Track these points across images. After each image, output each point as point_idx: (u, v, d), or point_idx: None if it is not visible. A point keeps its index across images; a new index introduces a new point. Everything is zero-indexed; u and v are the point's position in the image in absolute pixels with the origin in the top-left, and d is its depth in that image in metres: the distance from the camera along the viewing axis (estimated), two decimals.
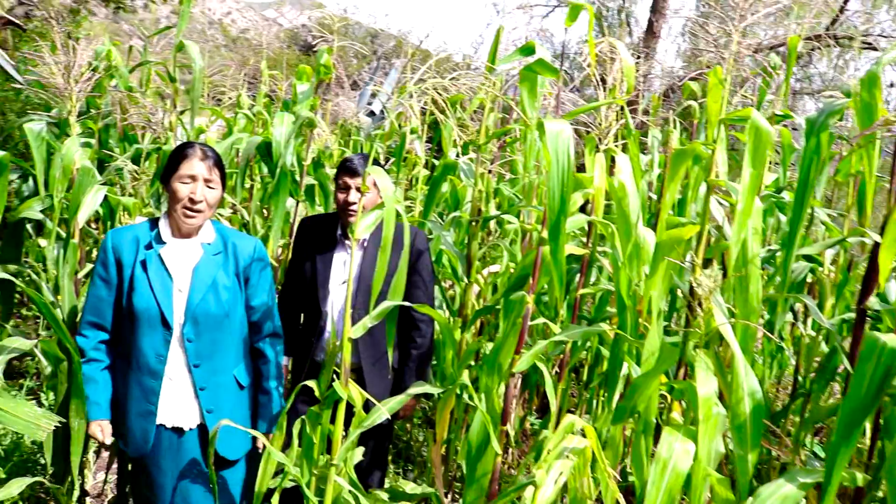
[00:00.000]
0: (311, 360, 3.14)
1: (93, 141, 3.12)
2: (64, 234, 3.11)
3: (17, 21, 3.75)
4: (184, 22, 5.42)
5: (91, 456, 3.51)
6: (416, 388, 2.72)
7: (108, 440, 2.53)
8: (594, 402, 3.81)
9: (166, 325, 2.48)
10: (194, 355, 2.52)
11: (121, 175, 4.99)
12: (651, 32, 12.06)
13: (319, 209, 4.76)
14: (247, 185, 6.02)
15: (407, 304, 2.58)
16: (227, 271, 2.61)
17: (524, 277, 2.93)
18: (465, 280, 3.51)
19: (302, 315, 3.28)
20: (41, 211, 3.22)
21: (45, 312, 2.32)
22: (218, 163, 2.57)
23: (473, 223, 3.49)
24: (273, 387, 2.73)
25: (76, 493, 3.03)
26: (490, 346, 2.98)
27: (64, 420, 2.53)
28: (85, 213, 3.12)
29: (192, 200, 2.48)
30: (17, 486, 2.47)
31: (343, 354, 2.52)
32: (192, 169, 2.49)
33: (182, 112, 5.77)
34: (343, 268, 3.13)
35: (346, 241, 3.15)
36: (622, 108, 2.81)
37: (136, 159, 4.82)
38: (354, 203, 3.02)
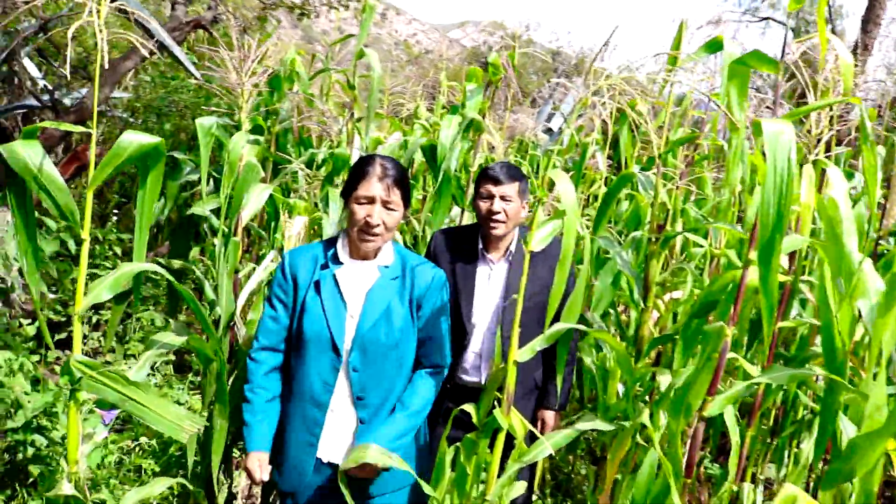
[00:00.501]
0: (452, 381, 2.92)
1: (262, 139, 3.04)
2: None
3: (205, 24, 3.80)
4: (364, 30, 5.42)
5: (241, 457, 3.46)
6: (586, 424, 2.45)
7: (265, 477, 2.34)
8: (785, 452, 3.31)
9: (336, 351, 2.31)
10: (359, 386, 2.34)
11: (295, 178, 5.05)
12: (863, 47, 11.03)
13: None
14: (418, 196, 5.96)
15: (581, 327, 2.31)
16: (403, 298, 2.41)
17: (709, 305, 2.59)
18: (642, 304, 3.16)
19: None
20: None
21: (195, 309, 2.22)
22: (399, 181, 2.35)
23: (653, 241, 3.14)
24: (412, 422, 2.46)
25: (222, 496, 2.95)
26: (666, 379, 2.61)
27: (207, 424, 2.43)
28: (249, 210, 3.07)
29: (368, 224, 2.30)
30: (161, 485, 2.39)
31: (508, 379, 2.29)
32: (370, 190, 2.30)
33: (359, 120, 5.79)
34: (487, 283, 2.90)
35: (488, 255, 2.92)
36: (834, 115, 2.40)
37: (310, 163, 4.85)
38: (498, 213, 2.80)
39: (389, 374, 2.38)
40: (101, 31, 1.90)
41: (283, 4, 4.90)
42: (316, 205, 4.35)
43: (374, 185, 2.30)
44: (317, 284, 2.35)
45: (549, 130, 9.78)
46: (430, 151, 3.67)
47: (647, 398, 2.98)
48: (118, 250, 4.65)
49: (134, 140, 1.98)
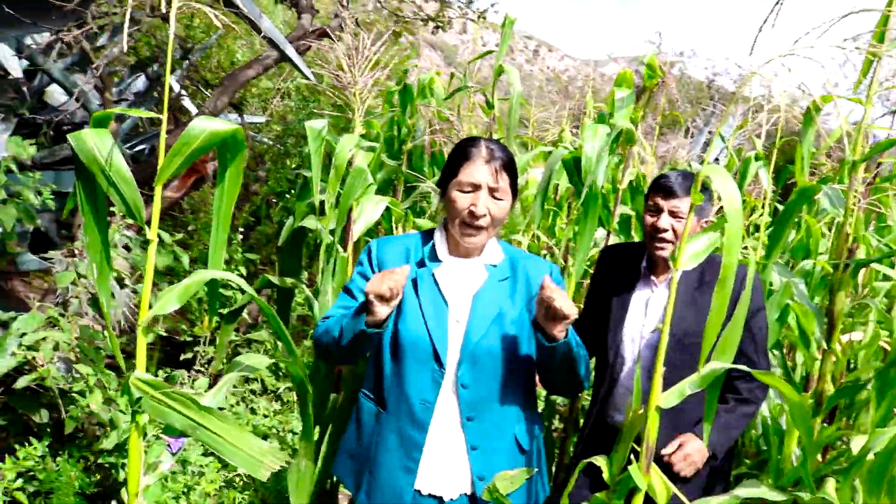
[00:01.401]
0: (596, 417, 2.47)
1: (377, 145, 2.75)
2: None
3: (330, 34, 3.61)
4: (504, 45, 5.13)
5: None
6: (750, 490, 1.98)
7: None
8: None
9: (439, 363, 1.95)
10: (468, 405, 1.96)
11: (427, 199, 4.78)
12: None
13: None
14: (562, 225, 5.54)
15: (743, 367, 1.83)
16: (515, 301, 2.04)
17: None
18: (825, 345, 2.60)
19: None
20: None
21: (275, 326, 1.91)
22: (508, 166, 1.99)
23: (840, 269, 2.57)
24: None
25: None
26: (860, 441, 2.06)
27: (291, 461, 2.12)
28: (361, 224, 2.79)
29: (472, 214, 1.94)
30: None
31: (648, 428, 1.86)
32: (475, 175, 1.95)
33: (498, 140, 5.47)
34: (643, 309, 2.44)
35: (652, 277, 2.47)
36: None
37: None
38: (665, 230, 2.36)
39: (505, 392, 1.99)
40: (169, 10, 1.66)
41: (417, 17, 4.67)
42: None
43: (479, 169, 1.95)
44: (414, 283, 2.02)
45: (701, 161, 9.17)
46: (574, 165, 3.25)
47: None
48: (243, 270, 4.52)
49: (207, 127, 1.71)
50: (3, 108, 3.11)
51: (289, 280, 2.98)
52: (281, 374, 4.67)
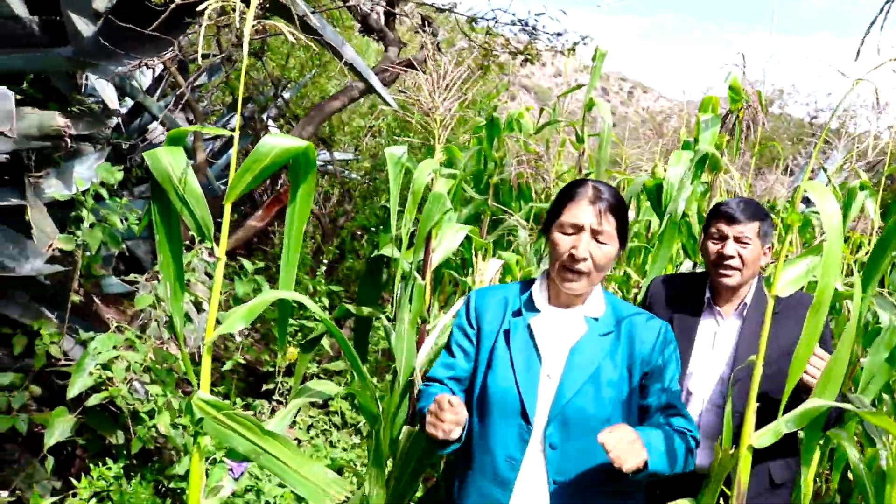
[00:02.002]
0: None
1: (458, 172, 2.70)
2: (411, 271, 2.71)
3: (416, 65, 3.61)
4: (595, 78, 5.05)
5: None
6: None
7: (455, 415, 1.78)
8: None
9: (525, 419, 1.83)
10: (556, 468, 1.82)
11: (514, 233, 4.70)
12: None
13: None
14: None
15: (849, 406, 1.67)
16: (616, 360, 1.89)
17: None
18: None
19: None
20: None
21: (347, 354, 1.85)
22: (615, 209, 1.87)
23: None
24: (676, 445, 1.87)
25: None
26: None
27: (356, 491, 2.04)
28: (441, 252, 2.73)
29: (572, 257, 1.83)
30: None
31: (740, 469, 1.72)
32: (578, 216, 1.84)
33: (587, 174, 5.35)
34: (711, 341, 2.30)
35: (717, 308, 2.32)
36: None
37: (530, 218, 4.49)
38: (732, 257, 2.23)
39: (597, 456, 1.81)
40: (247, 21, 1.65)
41: (506, 49, 4.65)
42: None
43: (582, 210, 1.84)
44: (506, 334, 1.91)
45: (806, 200, 8.81)
46: (655, 193, 3.12)
47: None
48: (326, 302, 4.52)
49: (277, 144, 1.69)
50: (100, 139, 3.22)
51: (366, 309, 2.94)
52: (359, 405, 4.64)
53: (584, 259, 1.82)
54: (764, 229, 2.25)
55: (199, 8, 1.43)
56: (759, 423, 1.78)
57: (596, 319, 1.91)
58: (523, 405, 1.83)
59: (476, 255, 2.87)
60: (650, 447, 1.73)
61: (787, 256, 2.17)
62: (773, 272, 1.69)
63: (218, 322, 1.71)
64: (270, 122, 6.14)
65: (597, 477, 1.83)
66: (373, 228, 6.19)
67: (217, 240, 1.71)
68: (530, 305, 1.95)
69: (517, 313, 1.95)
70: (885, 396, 3.11)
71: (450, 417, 1.73)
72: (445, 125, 2.74)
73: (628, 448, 1.66)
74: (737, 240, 2.23)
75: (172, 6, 1.63)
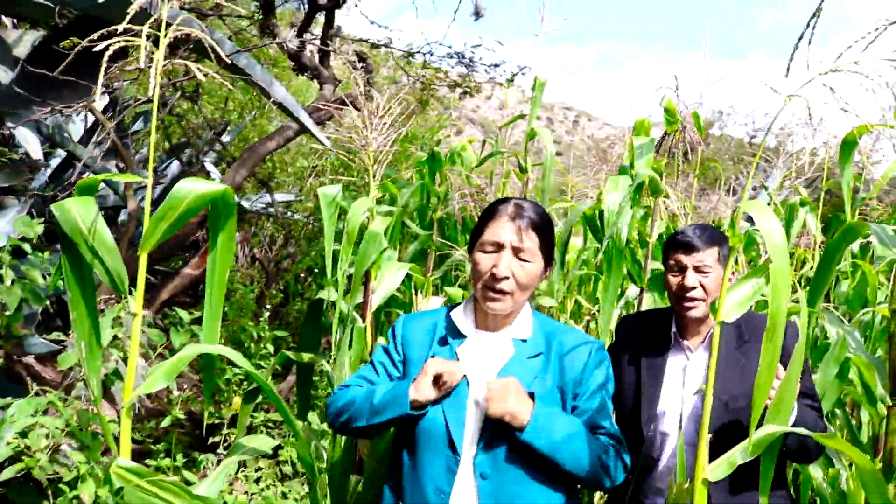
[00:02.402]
0: (631, 501, 2.23)
1: (395, 209, 2.63)
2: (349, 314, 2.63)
3: (352, 102, 3.55)
4: (535, 108, 5.04)
5: None
6: None
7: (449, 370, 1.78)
8: None
9: (453, 449, 1.74)
10: (489, 496, 1.72)
11: (461, 268, 4.62)
12: None
13: None
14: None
15: (802, 430, 1.62)
16: (546, 381, 1.82)
17: None
18: (890, 402, 2.34)
19: None
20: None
21: (278, 406, 1.75)
22: (537, 225, 1.80)
23: None
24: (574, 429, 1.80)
25: None
26: None
27: None
28: (381, 293, 2.65)
29: (493, 276, 1.76)
30: None
31: (696, 502, 1.65)
32: (498, 233, 1.77)
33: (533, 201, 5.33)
34: (680, 378, 2.21)
35: (685, 342, 2.24)
36: None
37: None
38: (694, 288, 2.15)
39: (532, 481, 1.75)
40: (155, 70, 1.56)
41: (445, 82, 4.62)
42: None
43: (503, 227, 1.77)
44: None
45: (749, 218, 8.95)
46: (596, 220, 3.08)
47: None
48: (271, 348, 4.39)
49: (193, 189, 1.60)
50: (23, 191, 3.08)
51: (306, 355, 2.84)
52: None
53: (506, 277, 1.75)
54: (724, 253, 2.18)
55: (97, 49, 1.35)
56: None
57: (524, 341, 1.85)
58: (450, 435, 1.74)
59: (417, 293, 2.79)
60: (539, 417, 1.70)
61: (729, 279, 2.14)
62: (720, 298, 1.64)
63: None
64: (211, 166, 6.02)
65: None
66: (317, 270, 6.08)
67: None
68: (456, 332, 1.87)
69: (443, 341, 1.87)
70: (838, 412, 3.10)
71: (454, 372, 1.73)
72: (381, 161, 2.68)
73: (502, 394, 1.67)
74: (697, 269, 2.15)
75: (77, 49, 1.54)
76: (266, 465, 4.18)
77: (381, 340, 1.66)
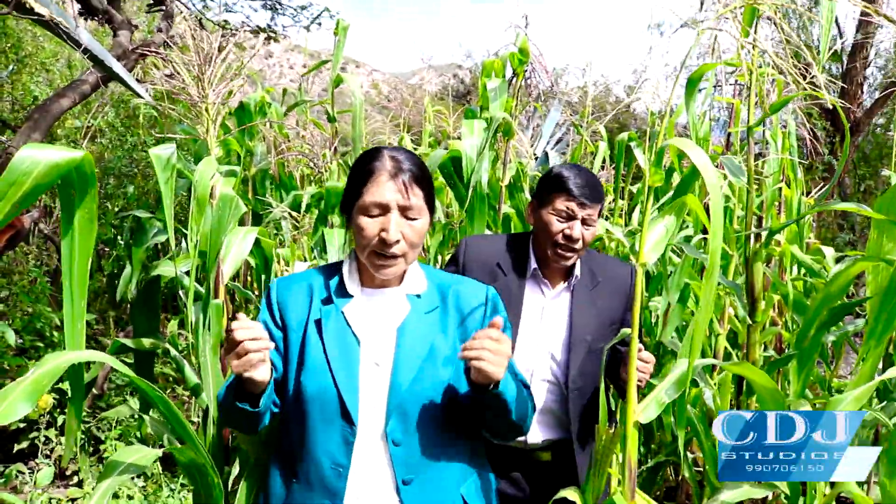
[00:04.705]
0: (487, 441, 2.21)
1: (238, 169, 2.33)
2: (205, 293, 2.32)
3: (155, 50, 3.12)
4: (339, 53, 4.81)
5: None
6: (734, 494, 1.83)
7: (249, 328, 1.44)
8: None
9: (348, 419, 1.55)
10: (404, 466, 1.57)
11: (277, 227, 4.34)
12: None
13: None
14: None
15: (715, 361, 1.63)
16: (448, 335, 1.68)
17: (836, 311, 2.13)
18: (749, 321, 2.47)
19: None
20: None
21: (164, 410, 1.47)
22: (420, 178, 1.63)
23: (753, 239, 2.46)
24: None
25: None
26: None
27: None
28: (231, 263, 2.35)
29: (383, 242, 1.57)
30: None
31: (628, 448, 1.61)
32: (382, 194, 1.58)
33: (344, 154, 5.10)
34: (539, 314, 2.19)
35: (545, 280, 2.22)
36: None
37: (295, 207, 4.15)
38: (579, 239, 2.12)
39: (447, 445, 1.64)
40: None
41: (245, 28, 4.22)
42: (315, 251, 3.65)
43: (385, 187, 1.58)
44: (317, 324, 1.63)
45: (545, 156, 9.36)
46: (453, 166, 2.95)
47: None
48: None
49: (41, 159, 1.25)
50: None
51: (147, 341, 2.49)
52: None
53: (398, 241, 1.58)
54: (602, 207, 2.18)
55: None
56: (587, 399, 1.72)
57: (418, 297, 1.70)
58: (343, 404, 1.56)
59: (278, 262, 2.52)
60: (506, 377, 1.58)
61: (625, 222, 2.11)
62: (641, 238, 1.58)
63: None
64: None
65: (451, 468, 1.65)
66: (115, 242, 5.47)
67: None
68: (341, 291, 1.68)
69: (327, 300, 1.67)
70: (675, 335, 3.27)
71: (245, 331, 1.41)
72: (215, 117, 2.36)
73: (499, 360, 1.49)
74: (584, 222, 2.12)
75: None
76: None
77: (240, 315, 1.39)
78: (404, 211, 1.60)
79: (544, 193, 2.19)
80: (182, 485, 3.72)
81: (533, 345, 2.17)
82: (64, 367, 1.30)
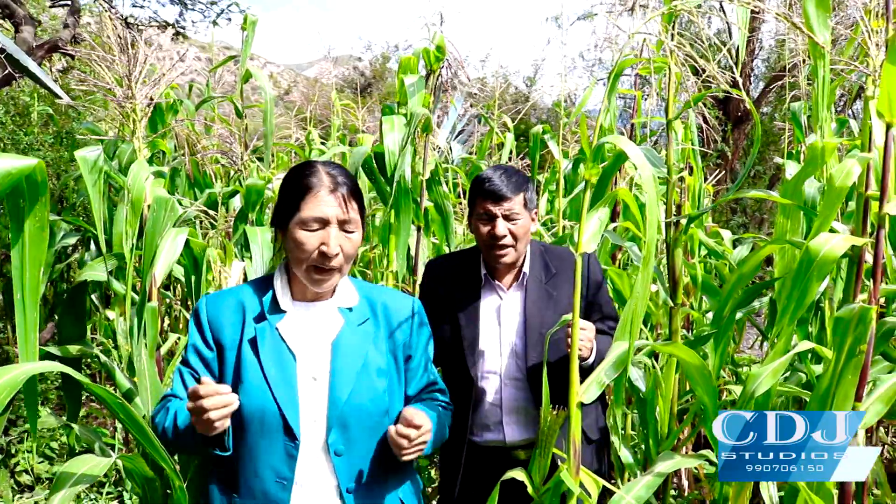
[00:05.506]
0: (469, 443, 2.28)
1: (165, 170, 2.30)
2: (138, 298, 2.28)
3: (62, 46, 3.01)
4: (247, 49, 4.74)
5: None
6: (666, 464, 1.93)
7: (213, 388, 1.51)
8: None
9: (290, 434, 1.61)
10: (347, 476, 1.65)
11: (213, 226, 4.26)
12: None
13: (435, 240, 3.89)
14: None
15: (650, 343, 1.74)
16: (380, 347, 1.76)
17: (754, 289, 2.36)
18: (671, 303, 2.62)
19: None
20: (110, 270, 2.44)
21: (121, 415, 1.46)
22: (355, 192, 1.70)
23: (672, 227, 2.60)
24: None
25: None
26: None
27: None
28: (163, 265, 2.32)
29: (323, 255, 1.63)
30: None
31: (573, 427, 1.73)
32: (322, 209, 1.64)
33: (254, 151, 5.03)
34: (496, 317, 2.27)
35: (497, 283, 2.30)
36: None
37: (211, 205, 4.08)
38: (504, 236, 2.18)
39: (385, 453, 1.70)
40: None
41: (152, 23, 4.11)
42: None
43: (324, 202, 1.64)
44: (252, 343, 1.67)
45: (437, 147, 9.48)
46: (377, 162, 2.99)
47: None
48: None
49: None
50: None
51: (74, 348, 2.43)
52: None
53: (337, 254, 1.65)
54: (528, 197, 2.22)
55: None
56: (552, 388, 1.83)
57: (350, 310, 1.77)
58: (285, 419, 1.61)
59: (215, 262, 2.50)
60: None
61: (532, 219, 2.21)
62: (579, 229, 1.67)
63: None
64: None
65: (386, 475, 1.73)
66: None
67: None
68: (274, 307, 1.72)
69: (260, 317, 1.70)
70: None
71: (212, 400, 1.47)
72: (140, 117, 2.32)
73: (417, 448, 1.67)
74: (506, 217, 2.17)
75: None
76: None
77: (206, 379, 1.42)
78: (343, 224, 1.66)
79: (470, 201, 2.28)
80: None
81: (495, 347, 2.25)
82: (23, 380, 1.28)
